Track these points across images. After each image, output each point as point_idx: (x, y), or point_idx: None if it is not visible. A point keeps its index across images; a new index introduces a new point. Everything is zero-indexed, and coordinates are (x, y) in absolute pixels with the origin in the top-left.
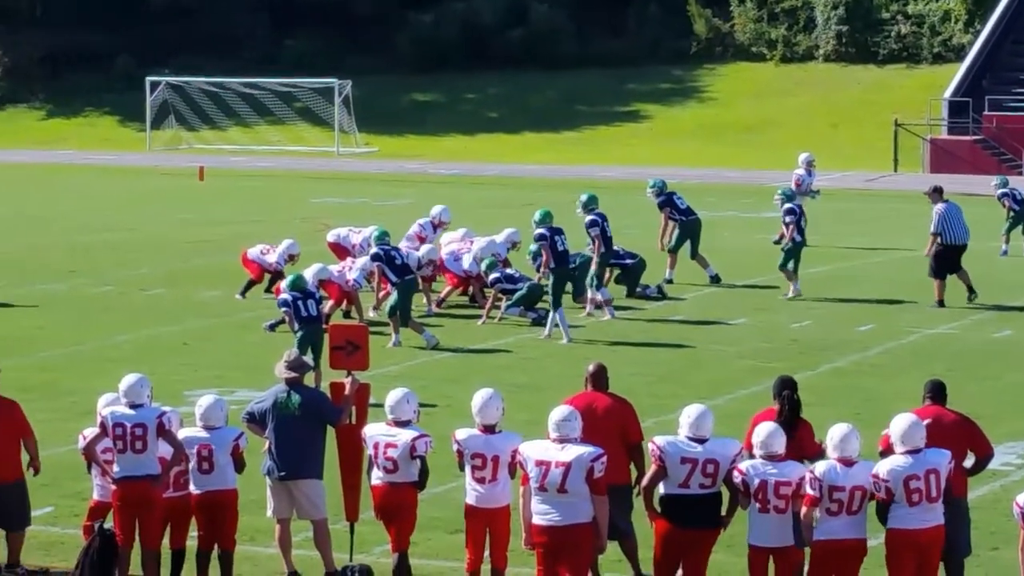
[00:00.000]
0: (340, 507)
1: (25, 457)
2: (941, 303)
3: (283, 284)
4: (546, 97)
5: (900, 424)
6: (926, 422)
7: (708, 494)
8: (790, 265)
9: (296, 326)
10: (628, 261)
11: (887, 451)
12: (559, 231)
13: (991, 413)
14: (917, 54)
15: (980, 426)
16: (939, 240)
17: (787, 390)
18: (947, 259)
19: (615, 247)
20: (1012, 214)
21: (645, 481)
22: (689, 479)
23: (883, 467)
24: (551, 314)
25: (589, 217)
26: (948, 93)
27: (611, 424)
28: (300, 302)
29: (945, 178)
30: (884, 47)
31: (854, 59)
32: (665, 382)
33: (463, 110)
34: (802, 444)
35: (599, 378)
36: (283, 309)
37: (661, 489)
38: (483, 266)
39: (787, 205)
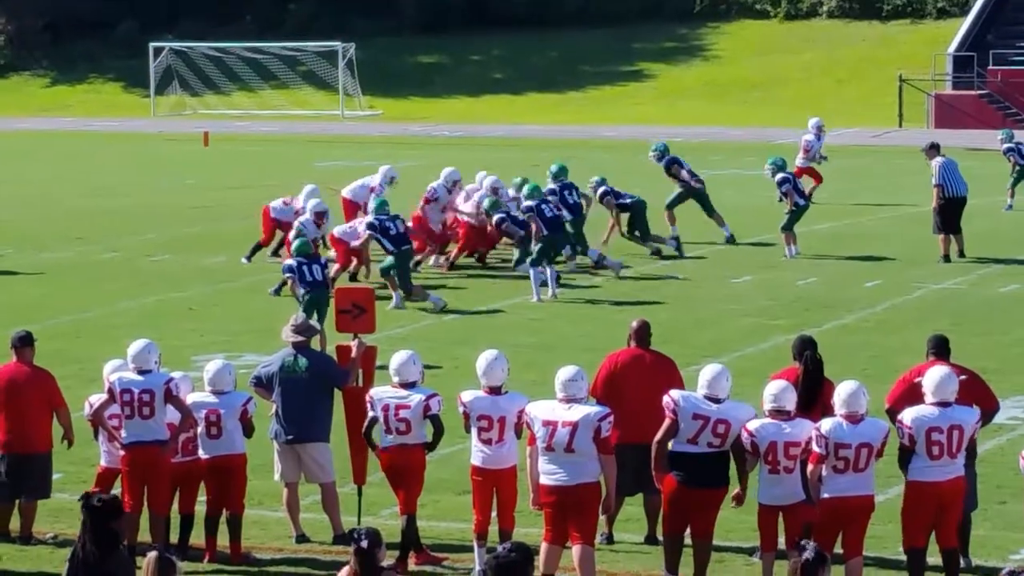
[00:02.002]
0: (348, 470)
1: (58, 429)
2: (946, 258)
3: (292, 247)
4: (550, 57)
5: (933, 376)
6: None
7: (716, 453)
8: (794, 228)
9: (301, 291)
10: (628, 200)
11: (895, 405)
12: (569, 186)
13: (997, 367)
14: (921, 9)
15: (985, 380)
16: (941, 193)
17: (809, 350)
18: (949, 212)
19: (614, 190)
20: (1018, 168)
21: (659, 434)
22: (699, 436)
23: (908, 414)
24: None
25: (526, 203)
26: (952, 48)
27: (656, 380)
28: (305, 267)
29: (950, 133)
30: (888, 2)
31: (858, 15)
32: (670, 342)
33: (467, 72)
34: (828, 404)
35: (642, 335)
36: (287, 275)
37: (671, 446)
38: (485, 205)
39: (779, 175)
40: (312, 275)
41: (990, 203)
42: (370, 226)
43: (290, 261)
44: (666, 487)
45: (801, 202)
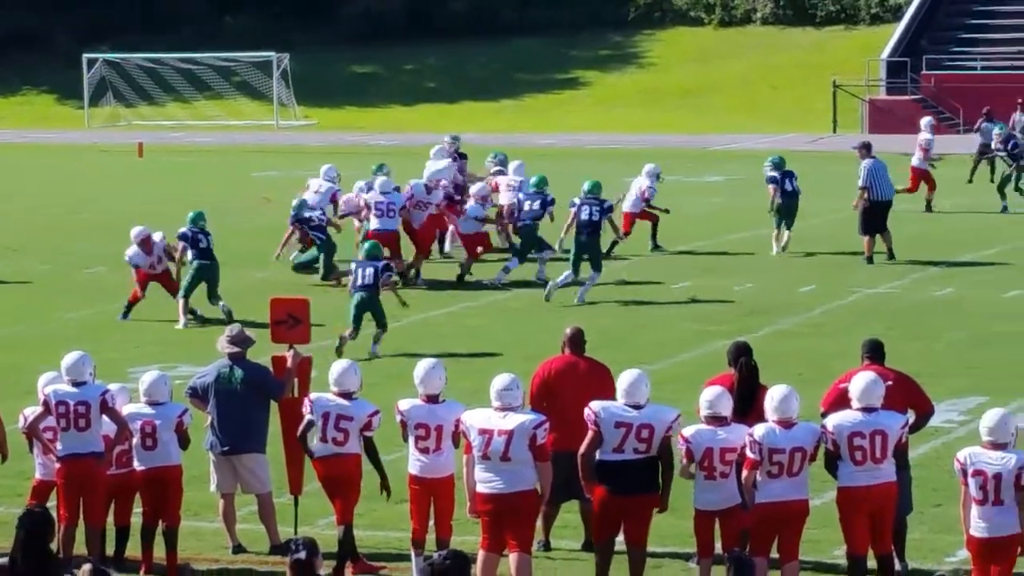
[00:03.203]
0: (284, 480)
1: None
2: (870, 259)
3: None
4: (485, 66)
5: (859, 382)
6: None
7: (643, 459)
8: (783, 222)
9: (190, 257)
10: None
11: (829, 410)
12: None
13: (932, 371)
14: (855, 15)
15: (920, 384)
16: (866, 196)
17: (744, 356)
18: (874, 215)
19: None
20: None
21: (582, 447)
22: (623, 444)
23: (831, 420)
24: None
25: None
26: (886, 53)
27: (590, 387)
28: (200, 235)
29: (884, 138)
30: (822, 9)
31: (792, 22)
32: (607, 347)
33: (402, 81)
34: (763, 410)
35: (576, 341)
36: (180, 242)
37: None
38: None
39: (769, 173)
40: (207, 244)
41: (922, 206)
42: (181, 236)
43: (184, 229)
44: (596, 496)
45: (779, 200)
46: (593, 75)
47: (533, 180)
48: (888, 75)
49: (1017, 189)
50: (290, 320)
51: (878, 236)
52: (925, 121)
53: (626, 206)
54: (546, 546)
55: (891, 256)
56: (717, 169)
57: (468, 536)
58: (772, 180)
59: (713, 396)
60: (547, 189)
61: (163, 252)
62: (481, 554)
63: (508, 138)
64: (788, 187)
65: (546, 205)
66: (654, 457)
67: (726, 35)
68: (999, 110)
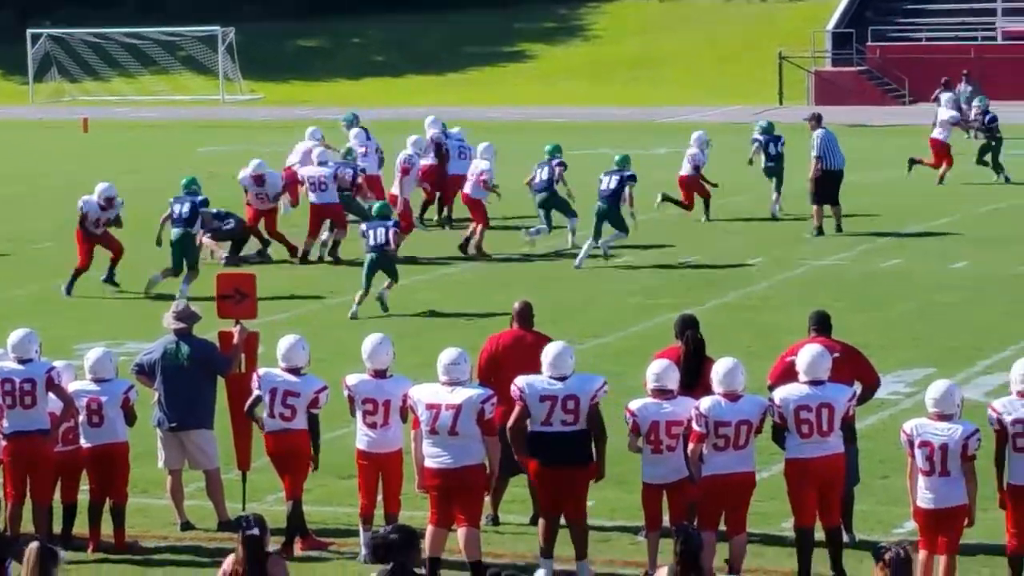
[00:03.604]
0: (232, 456)
1: None
2: (819, 230)
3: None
4: (431, 39)
5: (805, 355)
6: None
7: (572, 432)
8: (773, 184)
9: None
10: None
11: (776, 383)
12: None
13: (880, 343)
14: None
15: (867, 356)
16: (820, 165)
17: (690, 329)
18: (826, 184)
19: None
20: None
21: (510, 421)
22: (550, 416)
23: (778, 393)
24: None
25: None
26: (831, 25)
27: (538, 361)
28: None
29: (831, 110)
30: None
31: None
32: (556, 321)
33: (347, 55)
34: (708, 383)
35: (525, 316)
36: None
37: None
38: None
39: (755, 136)
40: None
41: (869, 178)
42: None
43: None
44: (530, 470)
45: (766, 163)
46: (539, 48)
47: (548, 147)
48: (834, 47)
49: (995, 165)
50: (236, 295)
51: (828, 207)
52: (946, 97)
53: (682, 171)
54: (494, 520)
55: (839, 228)
56: (663, 142)
57: (416, 511)
58: (754, 140)
59: (659, 369)
60: (561, 156)
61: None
62: (429, 529)
63: (454, 111)
64: (772, 151)
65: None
66: (585, 430)
67: (671, 7)
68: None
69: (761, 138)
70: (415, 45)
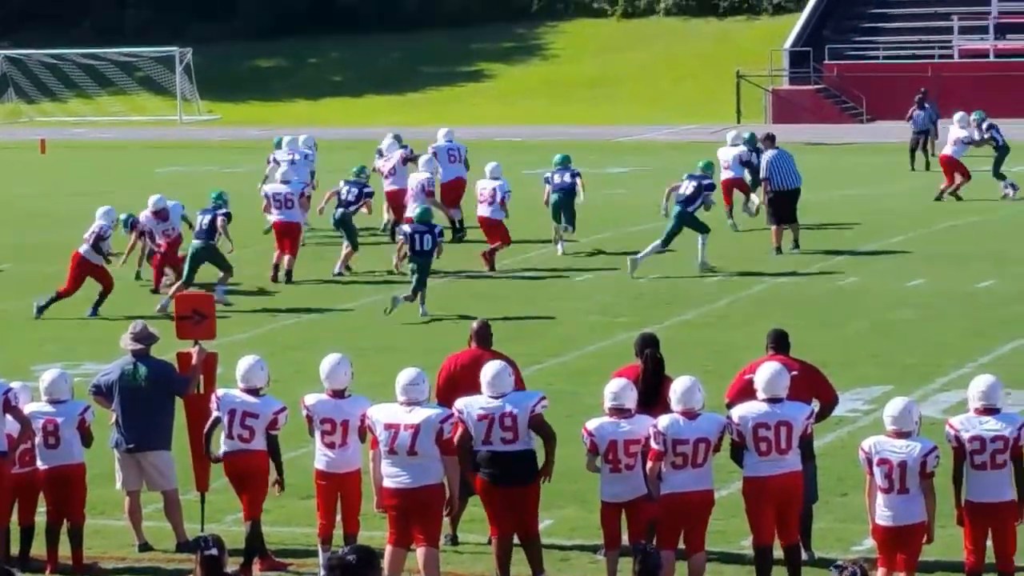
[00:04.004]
0: (190, 477)
1: None
2: (778, 250)
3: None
4: (389, 59)
5: (764, 372)
6: None
7: (514, 451)
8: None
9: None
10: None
11: (734, 401)
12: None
13: (837, 360)
14: (757, 5)
15: (825, 373)
16: (768, 187)
17: (649, 348)
18: (779, 204)
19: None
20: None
21: (455, 441)
22: (489, 435)
23: (737, 411)
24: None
25: None
26: (788, 44)
27: None
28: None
29: (788, 128)
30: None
31: (695, 12)
32: (514, 340)
33: (306, 75)
34: (667, 401)
35: (483, 335)
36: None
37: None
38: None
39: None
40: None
41: (827, 196)
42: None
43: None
44: (477, 488)
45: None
46: (497, 67)
47: (557, 158)
48: (791, 65)
49: (997, 175)
50: (195, 316)
51: (787, 226)
52: (959, 116)
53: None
54: (453, 540)
55: (796, 246)
56: (621, 161)
57: (375, 531)
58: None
59: (617, 388)
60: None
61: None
62: (388, 549)
63: (413, 131)
64: (755, 161)
65: (576, 176)
66: (528, 449)
67: (629, 26)
68: (902, 99)
69: (741, 152)
70: (373, 65)
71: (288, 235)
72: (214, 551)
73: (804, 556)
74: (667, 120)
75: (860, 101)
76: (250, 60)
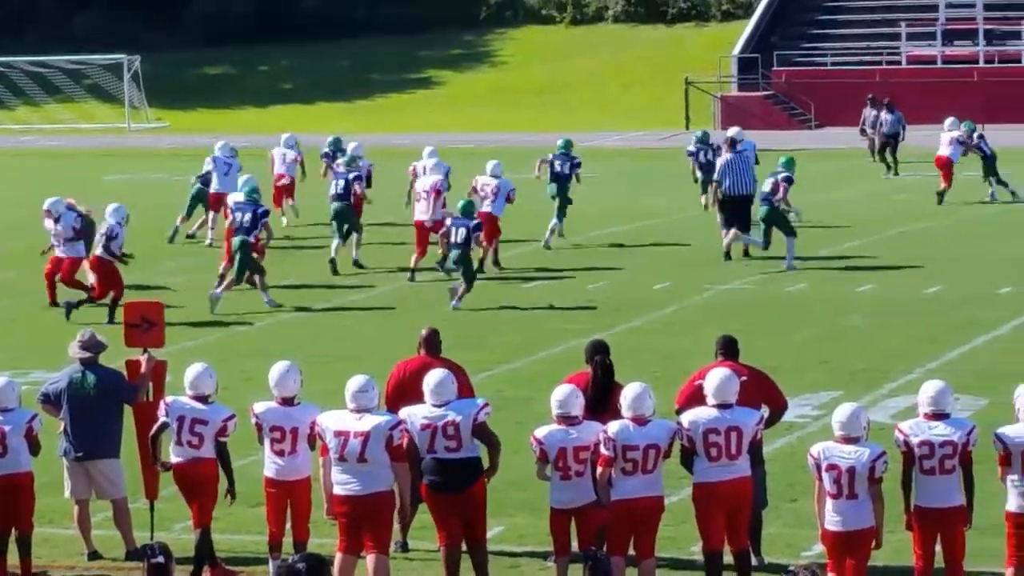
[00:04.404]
0: (139, 485)
1: None
2: (727, 255)
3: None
4: (338, 66)
5: (713, 378)
6: None
7: (457, 459)
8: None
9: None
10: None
11: (684, 407)
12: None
13: (787, 367)
14: (706, 12)
15: (774, 379)
16: (717, 189)
17: (599, 355)
18: (729, 209)
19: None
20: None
21: (404, 450)
22: (433, 443)
23: (687, 417)
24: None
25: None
26: (737, 50)
27: None
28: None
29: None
30: (673, 6)
31: (643, 19)
32: (465, 347)
33: (255, 82)
34: (617, 408)
35: (432, 343)
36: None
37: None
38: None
39: (689, 148)
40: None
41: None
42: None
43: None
44: (424, 496)
45: (699, 174)
46: (446, 75)
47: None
48: (740, 71)
49: (988, 180)
50: (144, 323)
51: (738, 232)
52: (950, 121)
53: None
54: (404, 547)
55: (746, 253)
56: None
57: (325, 539)
58: (690, 154)
59: (563, 396)
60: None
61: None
62: (338, 556)
63: (363, 138)
64: (703, 159)
65: (575, 167)
66: (472, 457)
67: (578, 33)
68: (849, 105)
69: (694, 149)
70: (322, 72)
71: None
72: (161, 559)
73: (754, 561)
74: (616, 127)
75: (808, 107)
76: (198, 68)
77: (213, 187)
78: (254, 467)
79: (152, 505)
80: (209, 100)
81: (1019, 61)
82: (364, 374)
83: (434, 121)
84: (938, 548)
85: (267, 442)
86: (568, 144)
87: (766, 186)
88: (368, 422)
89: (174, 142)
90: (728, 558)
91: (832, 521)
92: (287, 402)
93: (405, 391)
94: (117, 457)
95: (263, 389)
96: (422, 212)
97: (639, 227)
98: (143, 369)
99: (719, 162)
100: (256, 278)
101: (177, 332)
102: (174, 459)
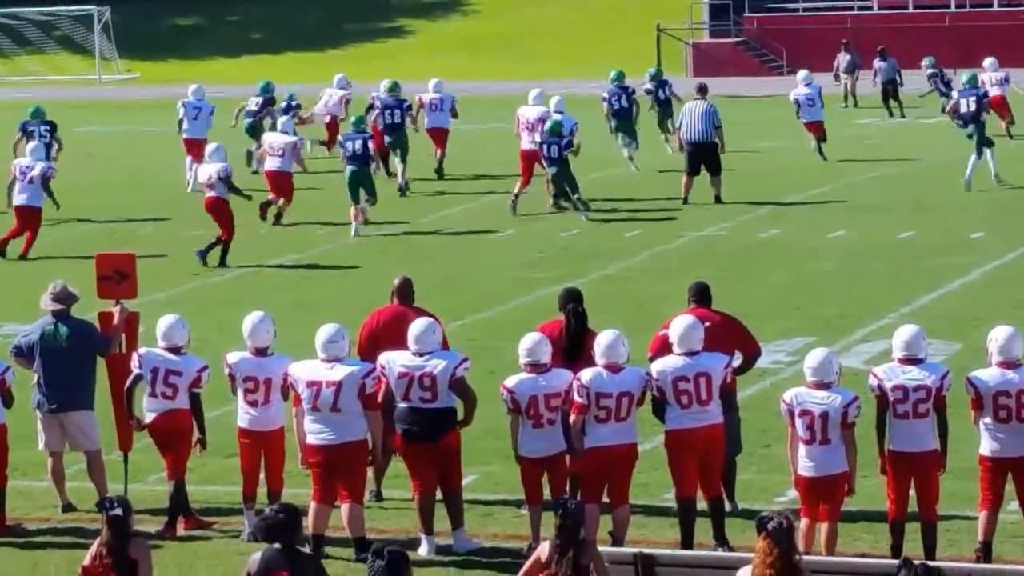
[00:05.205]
0: (113, 437)
1: None
2: (685, 200)
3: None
4: (310, 16)
5: (677, 326)
6: None
7: (431, 408)
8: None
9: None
10: None
11: (656, 355)
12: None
13: (760, 312)
14: None
15: (747, 325)
16: (678, 136)
17: (572, 303)
18: (690, 155)
19: None
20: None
21: (379, 397)
22: (408, 392)
23: (656, 366)
24: None
25: None
26: None
27: None
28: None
29: (709, 81)
30: None
31: None
32: (438, 296)
33: (225, 33)
34: (592, 356)
35: (405, 292)
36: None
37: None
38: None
39: (646, 86)
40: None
41: (748, 148)
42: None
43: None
44: (396, 444)
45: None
46: (418, 23)
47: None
48: (711, 18)
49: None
50: (116, 276)
51: (713, 179)
52: (989, 61)
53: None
54: (378, 496)
55: (718, 199)
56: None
57: (300, 489)
58: (647, 91)
59: (531, 344)
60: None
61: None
62: (313, 505)
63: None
64: (660, 96)
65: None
66: (447, 407)
67: None
68: (821, 51)
69: (651, 86)
70: (293, 22)
71: (277, 182)
72: (119, 511)
73: (728, 507)
74: (588, 74)
75: (780, 53)
76: (169, 19)
77: (184, 132)
78: (228, 417)
79: (126, 457)
80: (180, 51)
81: (991, 5)
82: (334, 323)
83: (406, 70)
84: (912, 493)
85: (240, 392)
86: (621, 75)
87: (971, 106)
88: (340, 371)
89: (145, 93)
90: (702, 504)
91: (805, 467)
92: (260, 352)
93: (378, 340)
94: (91, 409)
95: (237, 340)
96: (528, 142)
97: (610, 174)
98: (116, 321)
99: (683, 108)
100: (369, 198)
101: (151, 283)
102: (147, 412)
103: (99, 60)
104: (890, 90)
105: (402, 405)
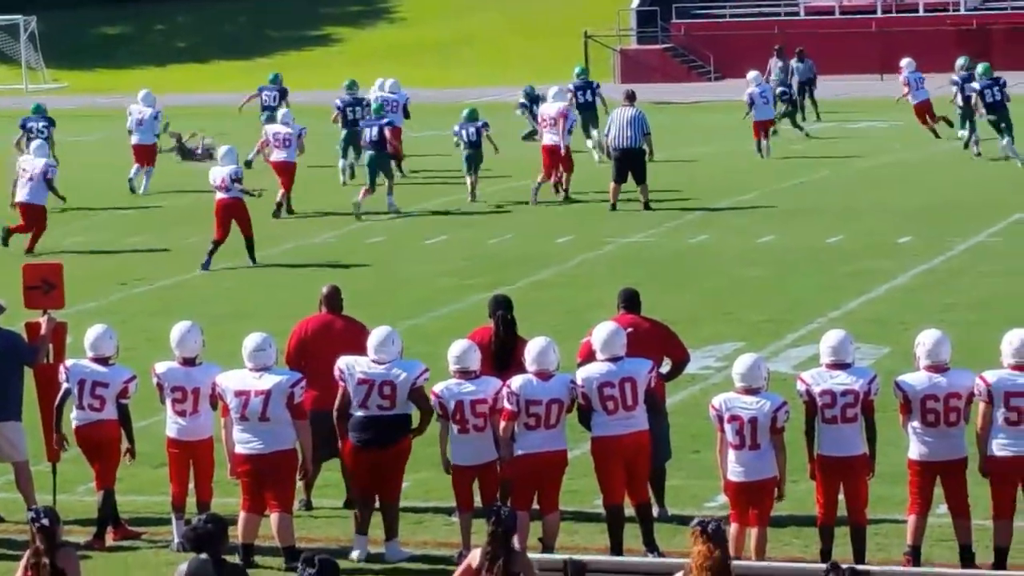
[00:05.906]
0: (41, 448)
1: None
2: (613, 207)
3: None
4: (236, 24)
5: (600, 332)
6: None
7: (387, 416)
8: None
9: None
10: None
11: (585, 361)
12: None
13: (689, 318)
14: None
15: (676, 331)
16: (606, 143)
17: (501, 310)
18: (618, 162)
19: None
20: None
21: (336, 404)
22: (367, 400)
23: (581, 373)
24: None
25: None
26: (635, 3)
27: (347, 345)
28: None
29: (636, 88)
30: None
31: None
32: (366, 305)
33: (152, 41)
34: (521, 363)
35: (333, 300)
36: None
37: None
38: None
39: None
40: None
41: (676, 155)
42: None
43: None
44: (344, 451)
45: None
46: (346, 32)
47: (465, 113)
48: (638, 24)
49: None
50: (44, 285)
51: (640, 187)
52: (907, 62)
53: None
54: (308, 505)
55: (647, 206)
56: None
57: (229, 498)
58: (571, 89)
59: (460, 351)
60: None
61: None
62: (242, 515)
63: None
64: (582, 99)
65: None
66: (402, 414)
67: None
68: (749, 57)
69: (574, 84)
70: (220, 30)
71: (286, 172)
72: (46, 521)
73: (658, 513)
74: (515, 81)
75: (708, 59)
76: (96, 27)
77: (133, 138)
78: (157, 427)
79: (54, 467)
80: (107, 60)
81: (916, 11)
82: (261, 332)
83: (334, 78)
84: (841, 497)
85: (169, 402)
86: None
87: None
88: (268, 380)
89: (73, 103)
90: (630, 511)
91: (735, 472)
92: (188, 362)
93: (307, 348)
94: (18, 420)
95: (165, 349)
96: (552, 137)
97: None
98: (43, 331)
99: (611, 114)
100: (388, 182)
101: (78, 293)
102: (75, 422)
103: (25, 70)
104: (807, 90)
105: (358, 414)
